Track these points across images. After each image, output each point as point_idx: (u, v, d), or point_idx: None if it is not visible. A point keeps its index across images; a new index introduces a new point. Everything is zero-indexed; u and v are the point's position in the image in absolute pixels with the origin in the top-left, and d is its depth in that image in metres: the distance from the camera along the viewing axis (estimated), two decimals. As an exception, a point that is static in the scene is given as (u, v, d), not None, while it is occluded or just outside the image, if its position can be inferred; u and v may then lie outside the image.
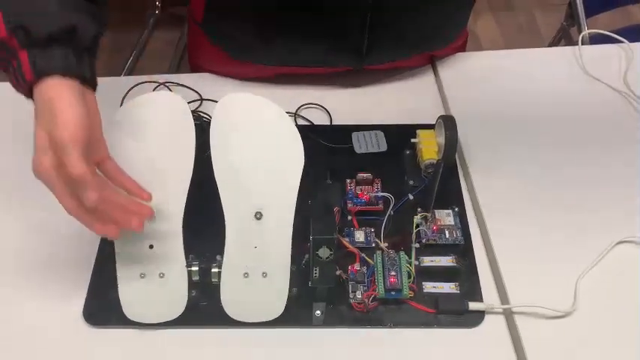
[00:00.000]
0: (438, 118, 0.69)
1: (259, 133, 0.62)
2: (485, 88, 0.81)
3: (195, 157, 0.61)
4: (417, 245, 0.64)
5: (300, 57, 0.78)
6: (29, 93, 0.51)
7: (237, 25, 0.76)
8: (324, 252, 0.55)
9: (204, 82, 0.82)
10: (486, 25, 1.98)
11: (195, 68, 0.88)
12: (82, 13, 0.52)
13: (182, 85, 0.81)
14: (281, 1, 0.71)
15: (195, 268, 0.60)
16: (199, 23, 0.81)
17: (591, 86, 0.81)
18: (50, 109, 0.48)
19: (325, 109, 0.79)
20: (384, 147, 0.74)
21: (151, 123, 0.62)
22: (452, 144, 0.64)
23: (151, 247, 0.60)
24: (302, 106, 0.79)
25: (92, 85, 0.53)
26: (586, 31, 1.08)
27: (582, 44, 0.86)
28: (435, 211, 0.66)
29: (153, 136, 0.62)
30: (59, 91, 0.49)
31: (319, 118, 0.78)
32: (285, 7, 0.72)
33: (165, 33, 1.90)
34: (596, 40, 0.97)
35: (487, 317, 0.59)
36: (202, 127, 0.72)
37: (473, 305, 0.59)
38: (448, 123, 0.64)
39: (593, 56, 0.84)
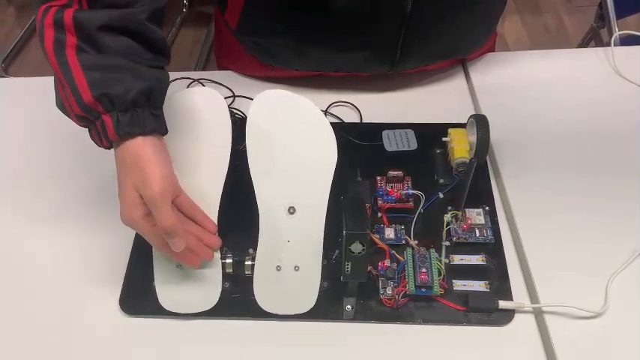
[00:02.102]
0: (470, 117, 0.69)
1: (294, 130, 0.63)
2: (516, 88, 0.81)
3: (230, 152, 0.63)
4: (447, 243, 0.64)
5: (334, 65, 0.79)
6: (110, 147, 0.55)
7: (273, 36, 0.77)
8: (356, 247, 0.56)
9: (235, 80, 0.83)
10: (513, 26, 1.97)
11: (223, 69, 0.88)
12: (153, 70, 0.56)
13: (215, 82, 0.82)
14: (317, 13, 0.71)
15: (229, 261, 0.61)
16: (233, 30, 0.82)
17: (624, 87, 0.81)
18: (139, 167, 0.53)
19: (355, 107, 0.80)
20: (414, 145, 0.74)
21: (189, 117, 0.64)
22: (484, 143, 0.64)
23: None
24: (332, 103, 0.80)
25: (164, 133, 0.57)
26: (617, 33, 1.07)
27: (614, 45, 0.86)
28: (466, 209, 0.66)
29: (192, 130, 0.63)
30: (143, 149, 0.54)
31: (349, 116, 0.79)
32: (321, 20, 0.72)
33: (192, 31, 1.92)
34: (626, 41, 0.97)
35: (517, 316, 0.59)
36: (236, 122, 0.73)
37: (503, 304, 0.59)
38: (480, 122, 0.65)
39: (626, 57, 0.84)
